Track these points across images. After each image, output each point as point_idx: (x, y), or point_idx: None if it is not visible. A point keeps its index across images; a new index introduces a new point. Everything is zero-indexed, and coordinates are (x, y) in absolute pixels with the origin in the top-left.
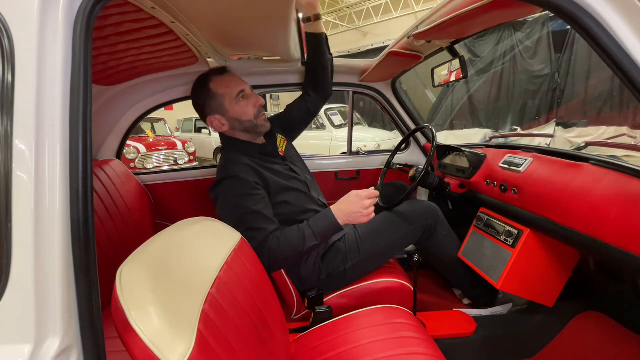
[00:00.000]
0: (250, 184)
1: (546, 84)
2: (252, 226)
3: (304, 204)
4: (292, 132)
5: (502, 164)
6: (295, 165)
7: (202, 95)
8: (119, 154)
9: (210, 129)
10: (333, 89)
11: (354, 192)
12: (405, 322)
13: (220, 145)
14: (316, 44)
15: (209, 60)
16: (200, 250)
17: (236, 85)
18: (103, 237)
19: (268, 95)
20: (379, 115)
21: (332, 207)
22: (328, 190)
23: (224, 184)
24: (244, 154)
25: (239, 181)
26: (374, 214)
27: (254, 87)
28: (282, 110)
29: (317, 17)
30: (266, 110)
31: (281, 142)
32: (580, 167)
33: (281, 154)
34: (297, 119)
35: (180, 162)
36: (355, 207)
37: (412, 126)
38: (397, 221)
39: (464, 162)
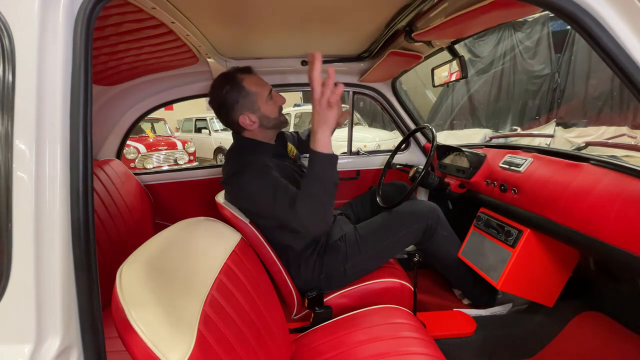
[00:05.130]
0: (272, 171)
1: (546, 84)
2: (289, 205)
3: None
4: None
5: (502, 164)
6: (303, 167)
7: (234, 93)
8: (119, 154)
9: (210, 128)
10: None
11: (314, 106)
12: (405, 322)
13: (233, 145)
14: None
15: (209, 60)
16: (200, 250)
17: (266, 85)
18: (103, 237)
19: None
20: (379, 115)
21: (313, 141)
22: None
23: (247, 172)
24: (260, 153)
25: (261, 169)
26: (335, 102)
27: None
28: (297, 131)
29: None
30: None
31: (292, 150)
32: (580, 167)
33: (292, 157)
34: (304, 149)
35: (180, 162)
36: (324, 117)
37: (412, 126)
38: (397, 221)
39: (464, 162)
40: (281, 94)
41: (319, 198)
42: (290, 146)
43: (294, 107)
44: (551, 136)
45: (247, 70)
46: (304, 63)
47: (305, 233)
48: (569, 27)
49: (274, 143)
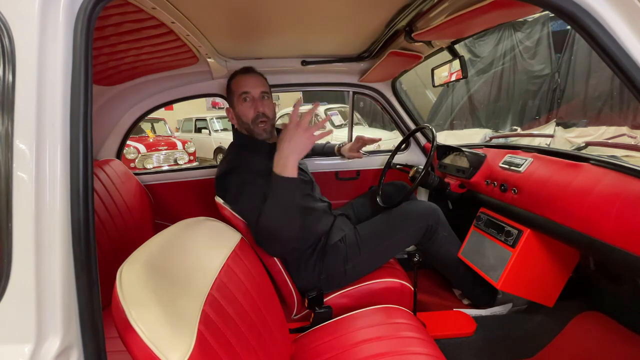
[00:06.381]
0: (257, 175)
1: (546, 84)
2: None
3: (308, 202)
4: None
5: (502, 164)
6: (302, 165)
7: (227, 89)
8: (119, 154)
9: (210, 129)
10: (333, 89)
11: (284, 132)
12: (405, 322)
13: (233, 140)
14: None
15: (209, 60)
16: (200, 250)
17: (243, 86)
18: (103, 237)
19: None
20: (379, 115)
21: (282, 166)
22: (328, 190)
23: (234, 173)
24: (254, 151)
25: (246, 172)
26: (312, 134)
27: None
28: None
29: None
30: None
31: None
32: (580, 167)
33: None
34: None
35: (180, 162)
36: (295, 141)
37: (412, 126)
38: (397, 221)
39: (464, 162)
40: (280, 94)
41: (280, 220)
42: None
43: (294, 107)
44: (551, 136)
45: (245, 70)
46: (304, 63)
47: (264, 250)
48: (569, 27)
49: (273, 142)
